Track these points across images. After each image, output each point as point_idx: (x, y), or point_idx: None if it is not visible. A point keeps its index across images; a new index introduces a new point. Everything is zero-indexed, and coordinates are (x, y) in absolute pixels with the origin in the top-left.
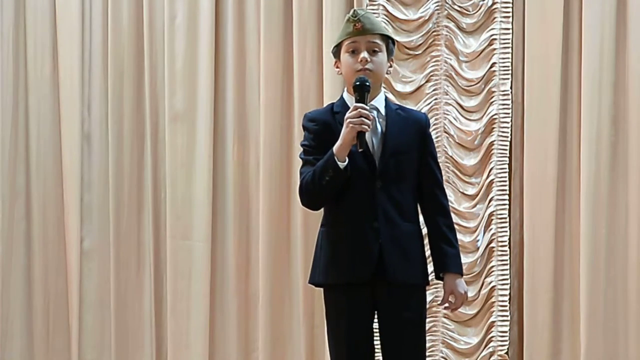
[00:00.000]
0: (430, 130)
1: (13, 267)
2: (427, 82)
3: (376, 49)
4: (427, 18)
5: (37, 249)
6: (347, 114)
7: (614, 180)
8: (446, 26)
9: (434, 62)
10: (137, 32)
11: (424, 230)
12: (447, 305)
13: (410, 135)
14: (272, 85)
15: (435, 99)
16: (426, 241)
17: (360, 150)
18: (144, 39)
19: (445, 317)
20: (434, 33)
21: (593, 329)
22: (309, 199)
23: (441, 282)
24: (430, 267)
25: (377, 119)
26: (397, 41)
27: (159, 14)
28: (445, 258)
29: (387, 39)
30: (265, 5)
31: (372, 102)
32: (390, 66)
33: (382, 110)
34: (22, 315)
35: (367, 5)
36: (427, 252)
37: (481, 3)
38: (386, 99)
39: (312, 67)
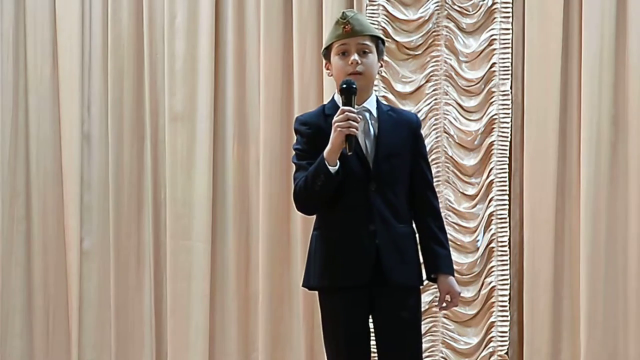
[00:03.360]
0: (427, 130)
1: (13, 267)
2: (427, 82)
3: (366, 50)
4: (427, 18)
5: (37, 248)
6: (335, 118)
7: (613, 180)
8: (446, 26)
9: (434, 62)
10: (137, 32)
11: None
12: (444, 305)
13: (402, 136)
14: (272, 85)
15: (435, 99)
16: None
17: (349, 153)
18: (144, 39)
19: (445, 317)
20: (434, 33)
21: (593, 329)
22: (303, 204)
23: (433, 283)
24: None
25: (369, 121)
26: (397, 41)
27: (159, 14)
28: (438, 259)
29: (376, 39)
30: (265, 5)
31: (364, 104)
32: (381, 66)
33: (374, 112)
34: (22, 315)
35: (367, 6)
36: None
37: (481, 3)
38: (377, 100)
39: (312, 67)
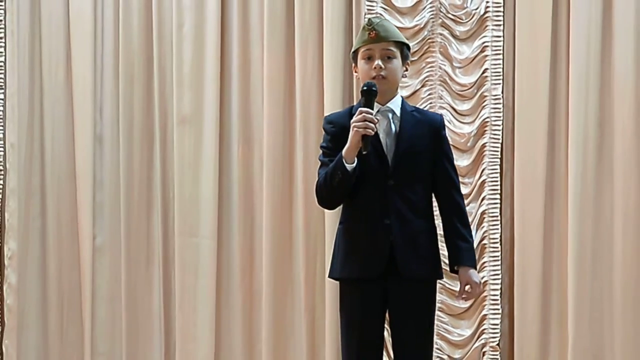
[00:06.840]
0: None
1: (29, 263)
2: (422, 87)
3: (390, 56)
4: (422, 26)
5: (52, 245)
6: (353, 119)
7: (600, 180)
8: (440, 34)
9: (429, 67)
10: (146, 39)
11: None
12: (464, 296)
13: (423, 135)
14: (275, 90)
15: (430, 103)
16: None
17: (364, 152)
18: (154, 46)
19: (439, 311)
20: (429, 40)
21: (580, 322)
22: (323, 199)
23: (456, 274)
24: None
25: (391, 120)
26: None
27: (168, 22)
28: (459, 252)
29: (401, 45)
30: (269, 14)
31: (387, 105)
32: (406, 69)
33: (397, 112)
34: (37, 308)
35: (364, 14)
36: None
37: (474, 12)
38: (403, 101)
39: (313, 72)
